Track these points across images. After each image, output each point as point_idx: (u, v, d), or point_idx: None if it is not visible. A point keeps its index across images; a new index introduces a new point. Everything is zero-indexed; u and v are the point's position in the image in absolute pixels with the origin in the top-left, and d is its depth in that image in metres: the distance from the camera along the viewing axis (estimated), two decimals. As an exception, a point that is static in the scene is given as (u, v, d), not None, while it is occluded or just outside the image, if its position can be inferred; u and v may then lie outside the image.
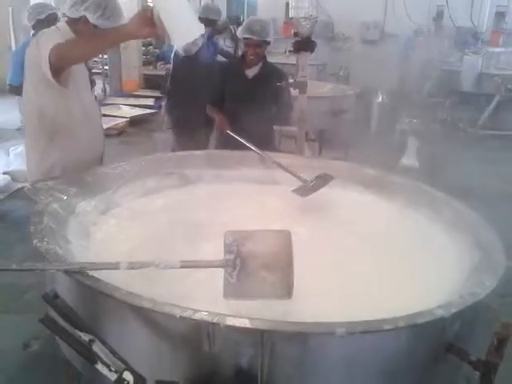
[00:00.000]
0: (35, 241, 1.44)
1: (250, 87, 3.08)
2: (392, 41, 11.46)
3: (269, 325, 1.11)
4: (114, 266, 1.30)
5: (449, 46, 10.95)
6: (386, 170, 2.37)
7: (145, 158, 2.32)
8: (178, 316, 1.10)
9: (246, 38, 3.01)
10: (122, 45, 10.85)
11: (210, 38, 5.71)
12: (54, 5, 6.53)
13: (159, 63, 10.60)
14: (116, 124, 7.01)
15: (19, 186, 4.90)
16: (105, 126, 2.87)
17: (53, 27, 2.22)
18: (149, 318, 1.17)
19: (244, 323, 1.09)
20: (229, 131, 2.75)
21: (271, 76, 3.11)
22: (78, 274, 1.25)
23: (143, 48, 12.02)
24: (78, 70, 2.20)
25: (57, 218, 1.68)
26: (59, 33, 2.12)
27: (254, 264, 1.25)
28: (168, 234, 1.79)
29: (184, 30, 1.69)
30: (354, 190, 2.25)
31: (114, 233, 1.79)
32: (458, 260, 1.64)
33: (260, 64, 3.13)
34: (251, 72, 3.12)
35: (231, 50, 6.39)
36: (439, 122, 8.79)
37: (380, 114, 7.63)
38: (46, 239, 1.46)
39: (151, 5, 1.72)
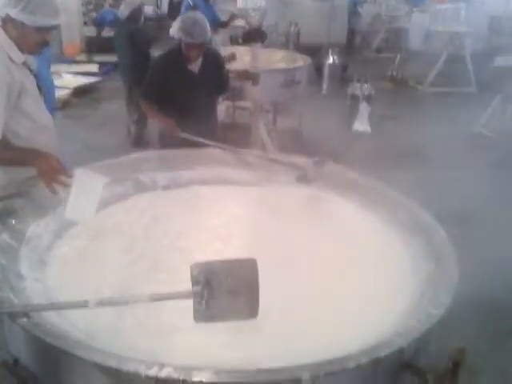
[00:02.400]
0: (-14, 287, 1.39)
1: (196, 81, 2.90)
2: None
3: (236, 377, 1.13)
4: (82, 305, 1.30)
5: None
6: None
7: (95, 165, 2.22)
8: (143, 375, 1.10)
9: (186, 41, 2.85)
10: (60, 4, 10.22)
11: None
12: None
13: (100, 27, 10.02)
14: (59, 96, 6.64)
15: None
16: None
17: None
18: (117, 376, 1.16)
19: (211, 378, 1.10)
20: (181, 134, 2.60)
21: (214, 64, 3.00)
22: (35, 329, 1.22)
23: (83, 7, 11.32)
24: (28, 90, 2.03)
25: (7, 250, 1.61)
26: None
27: (221, 291, 1.29)
28: (131, 258, 1.75)
29: (80, 212, 1.76)
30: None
31: (69, 260, 1.73)
32: (413, 269, 1.70)
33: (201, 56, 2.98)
34: (195, 66, 2.94)
35: None
36: (389, 79, 8.88)
37: (331, 76, 7.60)
38: (-2, 284, 1.40)
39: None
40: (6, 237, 1.67)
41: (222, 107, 4.89)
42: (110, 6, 10.81)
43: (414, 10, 8.16)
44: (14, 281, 1.50)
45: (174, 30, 2.84)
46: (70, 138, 2.08)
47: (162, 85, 2.93)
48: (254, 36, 2.43)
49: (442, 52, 8.07)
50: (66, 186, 1.76)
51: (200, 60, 2.95)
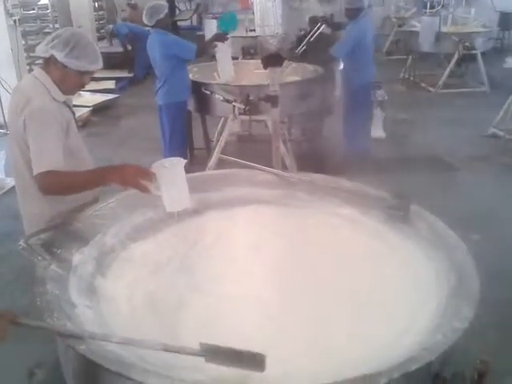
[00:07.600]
0: (46, 317, 1.51)
1: None
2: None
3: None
4: (105, 338, 1.42)
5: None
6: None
7: (126, 193, 2.31)
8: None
9: None
10: (75, 21, 10.46)
11: None
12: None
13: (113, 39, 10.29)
14: (80, 115, 6.82)
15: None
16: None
17: (31, 77, 2.15)
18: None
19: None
20: None
21: None
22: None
23: (96, 23, 11.58)
24: (71, 127, 2.16)
25: (58, 280, 1.74)
26: (38, 83, 2.08)
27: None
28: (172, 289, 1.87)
29: (177, 201, 1.93)
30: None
31: (115, 287, 1.86)
32: (436, 282, 1.80)
33: None
34: None
35: None
36: (401, 82, 8.93)
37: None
38: (55, 314, 1.52)
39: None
40: (54, 267, 1.79)
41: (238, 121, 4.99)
42: (123, 20, 11.08)
43: (424, 11, 8.19)
44: (67, 309, 1.62)
45: None
46: (94, 156, 2.19)
47: None
48: (272, 61, 2.53)
49: (453, 53, 8.11)
50: (153, 181, 1.88)
51: None
